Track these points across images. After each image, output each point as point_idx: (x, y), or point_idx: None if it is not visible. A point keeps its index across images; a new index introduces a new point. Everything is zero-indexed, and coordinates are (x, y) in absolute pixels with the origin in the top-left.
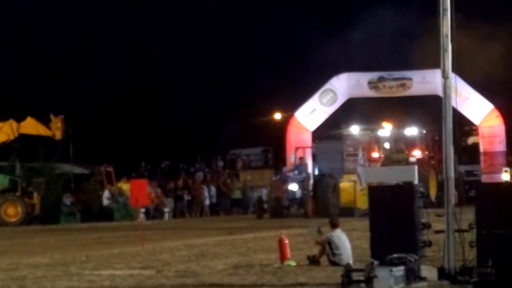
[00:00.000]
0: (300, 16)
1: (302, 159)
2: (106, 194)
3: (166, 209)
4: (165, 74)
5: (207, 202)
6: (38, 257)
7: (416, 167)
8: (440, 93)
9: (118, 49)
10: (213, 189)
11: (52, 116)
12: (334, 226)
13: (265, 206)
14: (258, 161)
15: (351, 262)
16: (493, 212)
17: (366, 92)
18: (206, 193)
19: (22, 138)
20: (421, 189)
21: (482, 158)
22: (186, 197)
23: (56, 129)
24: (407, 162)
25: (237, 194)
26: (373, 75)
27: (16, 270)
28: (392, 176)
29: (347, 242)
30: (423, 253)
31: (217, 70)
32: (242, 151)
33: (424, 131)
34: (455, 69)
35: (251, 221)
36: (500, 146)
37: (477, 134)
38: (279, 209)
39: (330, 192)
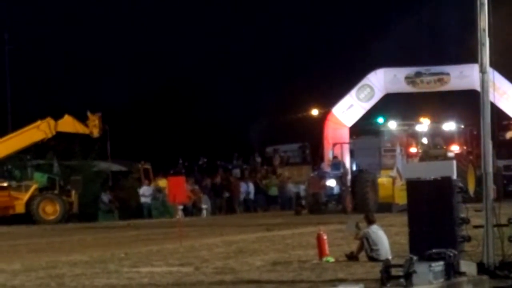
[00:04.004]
0: (337, 12)
1: (338, 156)
2: (143, 191)
3: (204, 206)
4: (203, 70)
5: (241, 198)
6: (77, 255)
7: (454, 162)
8: (478, 87)
9: (155, 48)
10: (251, 186)
11: (89, 114)
12: (370, 222)
13: (303, 202)
14: (295, 157)
15: (389, 257)
16: None
17: (403, 87)
18: (242, 190)
19: (60, 136)
20: (460, 184)
21: None
22: (225, 194)
23: (93, 126)
24: (445, 157)
25: (273, 191)
26: (410, 70)
27: (55, 268)
28: (431, 171)
29: (385, 238)
30: (462, 248)
31: (254, 66)
32: (280, 147)
33: (462, 126)
34: (493, 64)
35: (289, 217)
36: None
37: None
38: (317, 205)
39: (369, 187)
